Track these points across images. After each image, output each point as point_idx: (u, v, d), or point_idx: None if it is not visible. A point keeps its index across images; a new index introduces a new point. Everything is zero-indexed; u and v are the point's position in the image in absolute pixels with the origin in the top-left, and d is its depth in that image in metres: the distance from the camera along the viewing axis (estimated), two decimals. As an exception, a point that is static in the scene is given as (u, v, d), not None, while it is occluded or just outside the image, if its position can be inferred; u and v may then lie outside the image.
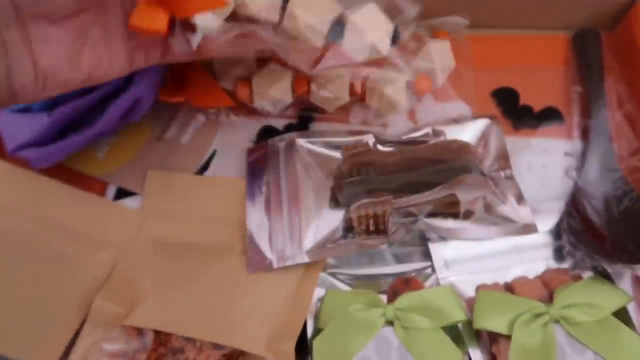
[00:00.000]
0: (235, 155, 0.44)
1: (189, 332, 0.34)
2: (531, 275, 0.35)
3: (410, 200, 0.36)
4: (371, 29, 0.32)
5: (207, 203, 0.41)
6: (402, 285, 0.35)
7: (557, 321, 0.31)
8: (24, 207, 0.40)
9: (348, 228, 0.37)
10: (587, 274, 0.35)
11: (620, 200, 0.36)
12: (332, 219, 0.37)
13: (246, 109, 0.45)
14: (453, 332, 0.34)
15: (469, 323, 0.33)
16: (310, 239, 0.37)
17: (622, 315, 0.32)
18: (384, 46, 0.33)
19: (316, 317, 0.35)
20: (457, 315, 0.33)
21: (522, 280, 0.35)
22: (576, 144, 0.40)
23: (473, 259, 0.36)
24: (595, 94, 0.40)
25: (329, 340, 0.33)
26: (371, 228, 0.37)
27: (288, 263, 0.36)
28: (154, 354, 0.34)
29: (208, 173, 0.44)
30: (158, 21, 0.29)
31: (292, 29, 0.31)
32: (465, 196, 0.36)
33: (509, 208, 0.37)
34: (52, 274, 0.38)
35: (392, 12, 0.35)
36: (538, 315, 0.31)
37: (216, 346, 0.34)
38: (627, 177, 0.37)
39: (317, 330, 0.34)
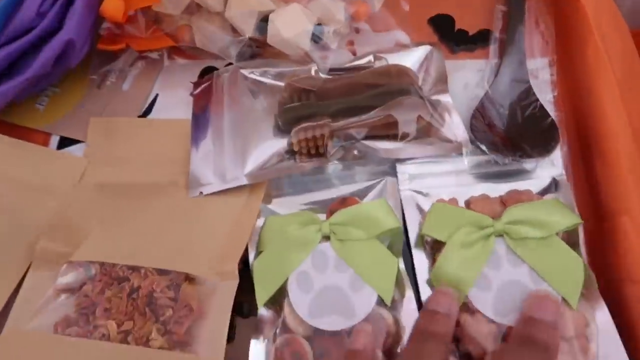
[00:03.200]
0: (177, 98, 0.44)
1: (134, 260, 0.35)
2: (495, 194, 0.36)
3: (348, 123, 0.37)
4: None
5: (150, 145, 0.42)
6: (339, 204, 0.36)
7: (501, 235, 0.32)
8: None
9: (289, 152, 0.38)
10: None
11: (525, 108, 0.38)
12: (274, 145, 0.38)
13: (187, 51, 0.45)
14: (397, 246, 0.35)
15: (404, 231, 0.34)
16: (252, 163, 0.37)
17: (572, 237, 0.33)
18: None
19: (257, 244, 0.35)
20: (390, 223, 0.33)
21: (481, 197, 0.35)
22: (491, 61, 0.41)
23: (437, 176, 0.37)
24: (515, 12, 0.42)
25: (268, 260, 0.34)
26: (311, 151, 0.37)
27: (229, 185, 0.37)
28: (100, 284, 0.34)
29: (151, 116, 0.44)
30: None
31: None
32: (402, 117, 0.37)
33: (445, 129, 0.38)
34: None
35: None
36: (482, 228, 0.32)
37: (161, 272, 0.34)
38: (535, 88, 0.39)
39: (258, 254, 0.35)
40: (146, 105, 0.44)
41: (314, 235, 0.33)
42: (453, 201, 0.35)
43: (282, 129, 0.38)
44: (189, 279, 0.34)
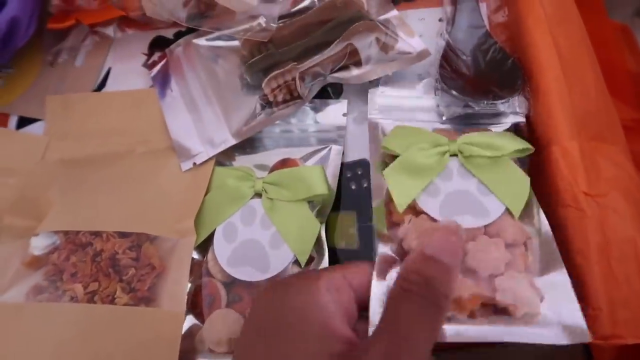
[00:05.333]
0: (130, 69, 0.45)
1: (96, 226, 0.36)
2: None
3: (313, 61, 0.38)
4: None
5: (106, 117, 0.43)
6: (280, 164, 0.37)
7: (455, 155, 0.33)
8: None
9: (266, 104, 0.39)
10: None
11: (485, 52, 0.39)
12: (250, 101, 0.39)
13: (138, 20, 0.45)
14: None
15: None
16: (235, 123, 0.39)
17: (523, 165, 0.34)
18: None
19: None
20: (320, 189, 0.34)
21: (445, 130, 0.36)
22: (447, 10, 0.42)
23: (407, 110, 0.38)
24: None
25: (205, 210, 0.36)
26: (286, 97, 0.38)
27: (219, 149, 0.38)
28: (65, 252, 0.36)
29: (106, 90, 0.45)
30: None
31: None
32: (361, 43, 0.38)
33: (402, 43, 0.39)
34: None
35: None
36: (438, 145, 0.34)
37: (122, 235, 0.36)
38: (491, 32, 0.40)
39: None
40: (100, 79, 0.45)
41: (247, 191, 0.35)
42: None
43: (253, 84, 0.40)
44: (150, 239, 0.36)
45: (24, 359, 0.33)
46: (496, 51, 0.39)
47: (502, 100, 0.36)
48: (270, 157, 0.38)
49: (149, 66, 0.44)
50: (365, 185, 0.37)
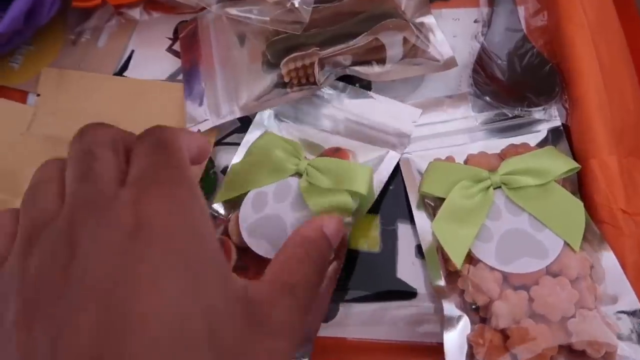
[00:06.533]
0: (153, 53, 0.44)
1: None
2: (493, 151, 0.35)
3: (336, 50, 0.37)
4: None
5: (99, 100, 0.42)
6: (331, 152, 0.36)
7: (499, 187, 0.32)
8: None
9: (280, 84, 0.38)
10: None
11: (522, 57, 0.37)
12: (265, 78, 0.38)
13: (163, 5, 0.44)
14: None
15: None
16: (245, 96, 0.38)
17: (571, 184, 0.33)
18: None
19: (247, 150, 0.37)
20: (359, 187, 0.32)
21: (479, 154, 0.35)
22: (483, 11, 0.41)
23: (433, 137, 0.37)
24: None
25: (241, 169, 0.35)
26: (302, 80, 0.37)
27: (224, 120, 0.38)
28: None
29: (128, 73, 0.44)
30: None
31: None
32: (388, 40, 0.37)
33: (431, 49, 0.38)
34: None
35: None
36: (480, 181, 0.32)
37: None
38: (528, 36, 0.38)
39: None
40: (122, 62, 0.44)
41: (289, 168, 0.34)
42: (450, 159, 0.35)
43: (272, 63, 0.38)
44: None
45: None
46: (533, 56, 0.37)
47: (538, 108, 0.35)
48: (326, 139, 0.37)
49: (180, 30, 0.44)
50: (391, 187, 0.36)
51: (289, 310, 0.21)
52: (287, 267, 0.23)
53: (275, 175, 0.34)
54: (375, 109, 0.38)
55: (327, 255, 0.26)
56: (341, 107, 0.38)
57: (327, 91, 0.39)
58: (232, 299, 0.19)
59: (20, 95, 0.44)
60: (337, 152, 0.36)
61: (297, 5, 0.38)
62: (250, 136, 0.38)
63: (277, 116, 0.39)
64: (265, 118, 0.39)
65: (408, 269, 0.34)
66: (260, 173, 0.34)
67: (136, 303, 0.16)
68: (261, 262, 0.32)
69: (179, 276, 0.17)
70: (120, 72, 0.44)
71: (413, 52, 0.38)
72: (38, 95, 0.43)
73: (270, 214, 0.33)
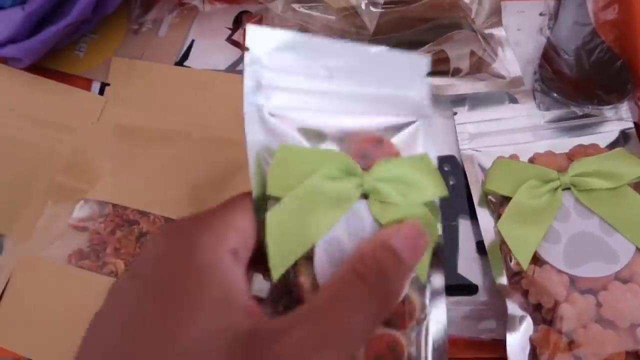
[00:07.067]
0: (213, 44, 0.44)
1: (144, 206, 0.36)
2: (559, 151, 0.34)
3: None
4: None
5: (168, 91, 0.42)
6: (374, 147, 0.24)
7: (568, 188, 0.31)
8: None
9: None
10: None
11: (590, 52, 0.37)
12: None
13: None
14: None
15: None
16: None
17: None
18: None
19: (260, 176, 0.22)
20: (435, 191, 0.24)
21: (545, 153, 0.34)
22: (550, 4, 0.40)
23: (497, 133, 0.36)
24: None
25: (288, 217, 0.21)
26: None
27: None
28: (112, 224, 0.36)
29: (188, 63, 0.44)
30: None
31: None
32: (454, 52, 0.36)
33: (498, 64, 0.37)
34: (23, 158, 0.41)
35: None
36: (548, 182, 0.31)
37: (168, 220, 0.36)
38: (598, 30, 0.37)
39: (266, 197, 0.22)
40: (182, 52, 0.45)
41: (354, 192, 0.22)
42: (514, 157, 0.34)
43: None
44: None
45: (55, 317, 0.34)
46: (603, 51, 0.36)
47: (609, 106, 0.34)
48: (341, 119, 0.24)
49: (247, 20, 0.44)
50: (452, 182, 0.36)
51: None
52: (330, 309, 0.18)
53: (339, 209, 0.22)
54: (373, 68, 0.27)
55: (398, 279, 0.20)
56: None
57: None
58: None
59: (85, 83, 0.45)
60: (381, 146, 0.25)
61: (363, 7, 0.37)
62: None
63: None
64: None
65: (469, 265, 0.33)
66: (316, 216, 0.22)
67: None
68: None
69: None
70: (181, 62, 0.44)
71: (477, 65, 0.37)
72: (107, 84, 0.44)
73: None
